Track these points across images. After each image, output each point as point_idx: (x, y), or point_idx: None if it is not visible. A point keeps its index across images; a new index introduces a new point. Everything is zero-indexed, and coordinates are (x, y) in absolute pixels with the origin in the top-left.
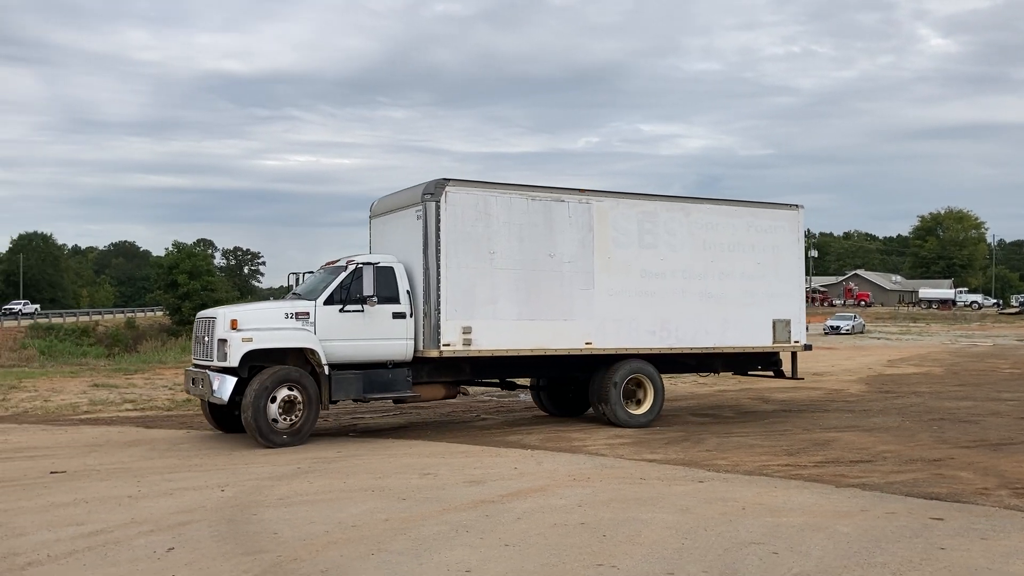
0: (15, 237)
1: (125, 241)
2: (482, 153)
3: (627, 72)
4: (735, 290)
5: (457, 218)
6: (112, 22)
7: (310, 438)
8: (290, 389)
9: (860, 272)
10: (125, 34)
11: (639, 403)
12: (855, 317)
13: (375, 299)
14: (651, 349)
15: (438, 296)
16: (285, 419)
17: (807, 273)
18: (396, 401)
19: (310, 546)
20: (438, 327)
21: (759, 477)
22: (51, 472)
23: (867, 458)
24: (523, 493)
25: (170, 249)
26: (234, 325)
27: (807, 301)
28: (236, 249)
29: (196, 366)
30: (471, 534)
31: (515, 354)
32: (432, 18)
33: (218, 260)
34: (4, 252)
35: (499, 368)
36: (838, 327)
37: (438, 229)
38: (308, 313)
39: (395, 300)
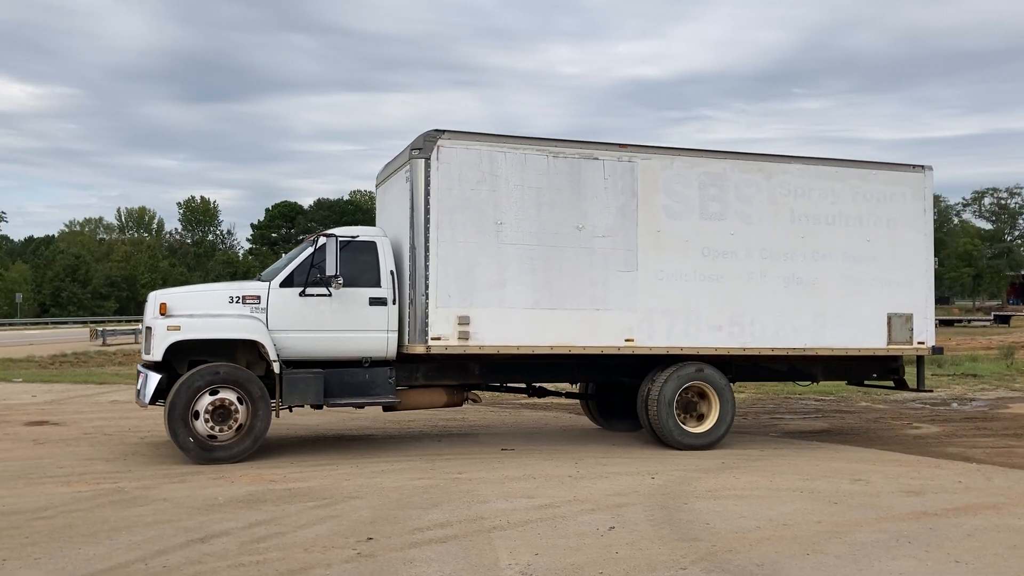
0: None
1: None
2: (908, 139)
3: None
4: (835, 275)
5: (453, 179)
6: (540, 41)
7: (728, 435)
8: (215, 393)
9: None
10: (551, 51)
11: (701, 418)
12: None
13: (340, 280)
14: (716, 349)
15: (426, 277)
16: (217, 428)
17: None
18: (386, 408)
19: (743, 540)
20: (425, 316)
21: None
22: (502, 449)
23: None
24: (971, 509)
25: None
26: (163, 310)
27: None
28: None
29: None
30: (914, 546)
31: (529, 352)
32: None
33: None
34: None
35: (519, 370)
36: None
37: (427, 193)
38: (259, 297)
39: (375, 283)
